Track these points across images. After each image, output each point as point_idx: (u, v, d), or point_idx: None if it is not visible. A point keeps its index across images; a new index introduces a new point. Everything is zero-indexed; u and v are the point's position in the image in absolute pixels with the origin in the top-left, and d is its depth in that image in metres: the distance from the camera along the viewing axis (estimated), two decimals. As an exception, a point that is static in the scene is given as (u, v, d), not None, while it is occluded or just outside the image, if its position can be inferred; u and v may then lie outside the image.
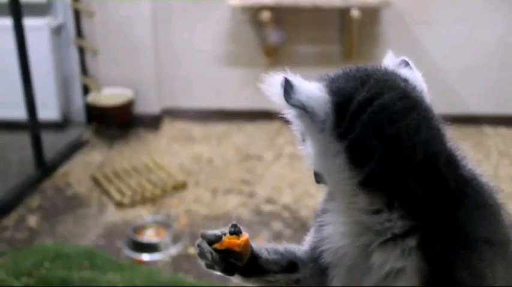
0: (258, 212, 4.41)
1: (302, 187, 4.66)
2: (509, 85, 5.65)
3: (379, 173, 1.04)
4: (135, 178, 4.85)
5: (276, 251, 1.32)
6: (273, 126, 5.62)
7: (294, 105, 1.08)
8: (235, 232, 1.29)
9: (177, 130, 5.77)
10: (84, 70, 5.70)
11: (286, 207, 4.45)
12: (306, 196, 4.56)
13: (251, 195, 4.63)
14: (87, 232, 4.18)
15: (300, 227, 4.16)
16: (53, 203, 4.53)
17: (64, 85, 5.68)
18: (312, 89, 1.09)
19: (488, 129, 5.62)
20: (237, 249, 1.27)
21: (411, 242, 1.04)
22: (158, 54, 5.72)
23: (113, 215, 4.40)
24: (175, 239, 4.08)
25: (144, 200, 4.57)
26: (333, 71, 1.16)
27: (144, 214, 4.41)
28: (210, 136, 5.65)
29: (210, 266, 1.29)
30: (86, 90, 5.72)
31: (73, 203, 4.54)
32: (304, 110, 1.08)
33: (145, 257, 3.94)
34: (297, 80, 1.09)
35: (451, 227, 1.03)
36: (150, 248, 4.00)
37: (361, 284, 1.12)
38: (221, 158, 5.23)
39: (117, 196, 4.56)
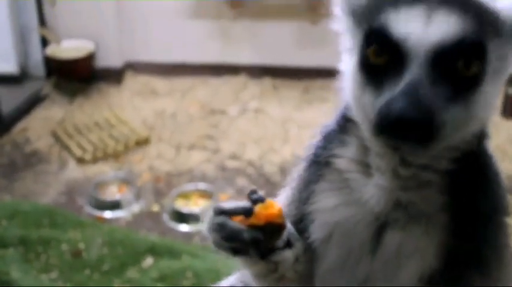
0: (222, 168, 4.35)
1: (267, 143, 4.61)
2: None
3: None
4: (96, 133, 4.73)
5: None
6: (239, 80, 5.52)
7: None
8: (260, 200, 0.97)
9: (140, 84, 5.62)
10: (42, 21, 5.48)
11: (250, 163, 4.39)
12: (271, 151, 4.51)
13: (215, 151, 4.57)
14: (47, 189, 4.08)
15: (265, 183, 4.12)
16: (11, 160, 4.40)
17: (21, 37, 5.46)
18: None
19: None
20: (279, 221, 0.96)
21: (441, 218, 0.99)
22: (120, 5, 5.52)
23: (74, 171, 4.29)
24: (138, 196, 4.01)
25: (106, 156, 4.47)
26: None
27: (106, 170, 4.32)
28: (173, 90, 5.52)
29: (237, 250, 0.99)
30: (44, 42, 5.51)
31: (32, 160, 4.42)
32: None
33: (107, 214, 3.87)
34: None
35: (481, 204, 1.00)
36: (112, 205, 3.92)
37: (360, 263, 1.03)
38: (185, 113, 5.13)
39: (78, 152, 4.44)
